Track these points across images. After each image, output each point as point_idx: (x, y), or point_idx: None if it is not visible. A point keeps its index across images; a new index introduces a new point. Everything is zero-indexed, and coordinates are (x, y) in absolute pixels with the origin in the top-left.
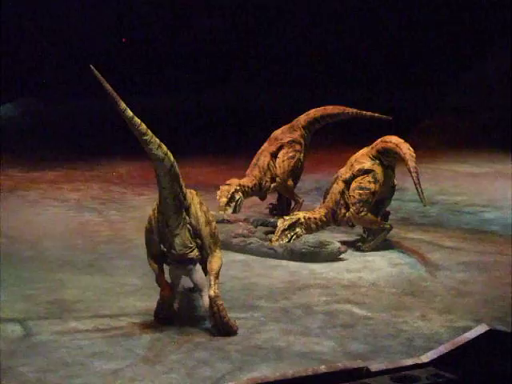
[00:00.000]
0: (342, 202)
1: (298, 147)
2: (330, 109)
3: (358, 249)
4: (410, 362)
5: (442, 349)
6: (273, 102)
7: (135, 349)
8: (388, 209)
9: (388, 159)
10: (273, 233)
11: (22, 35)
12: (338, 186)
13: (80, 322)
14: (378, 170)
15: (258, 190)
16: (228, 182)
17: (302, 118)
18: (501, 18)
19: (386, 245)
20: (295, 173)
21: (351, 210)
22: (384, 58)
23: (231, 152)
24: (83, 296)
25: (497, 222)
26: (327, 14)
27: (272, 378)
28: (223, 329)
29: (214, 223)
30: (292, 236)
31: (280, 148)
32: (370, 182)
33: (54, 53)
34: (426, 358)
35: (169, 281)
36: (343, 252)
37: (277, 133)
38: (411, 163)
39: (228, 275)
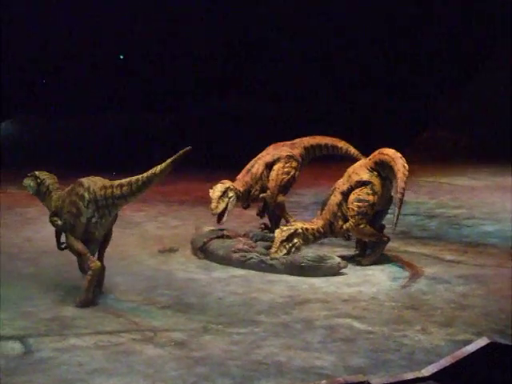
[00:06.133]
0: (339, 213)
1: (294, 164)
2: (337, 141)
3: (357, 263)
4: (410, 375)
5: (443, 362)
6: (272, 115)
7: (135, 365)
8: (387, 222)
9: (385, 171)
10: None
11: (21, 51)
12: (336, 198)
13: (80, 338)
14: (376, 181)
15: (246, 197)
16: (221, 182)
17: (306, 140)
18: (499, 32)
19: (386, 258)
20: (286, 189)
21: (350, 222)
22: (382, 71)
23: (229, 167)
24: (83, 313)
25: (496, 234)
26: (325, 26)
27: None
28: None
29: None
30: (291, 247)
31: (277, 160)
32: (368, 193)
33: (52, 69)
34: (426, 371)
35: None
36: (343, 267)
37: (277, 145)
38: (401, 183)
39: (228, 290)
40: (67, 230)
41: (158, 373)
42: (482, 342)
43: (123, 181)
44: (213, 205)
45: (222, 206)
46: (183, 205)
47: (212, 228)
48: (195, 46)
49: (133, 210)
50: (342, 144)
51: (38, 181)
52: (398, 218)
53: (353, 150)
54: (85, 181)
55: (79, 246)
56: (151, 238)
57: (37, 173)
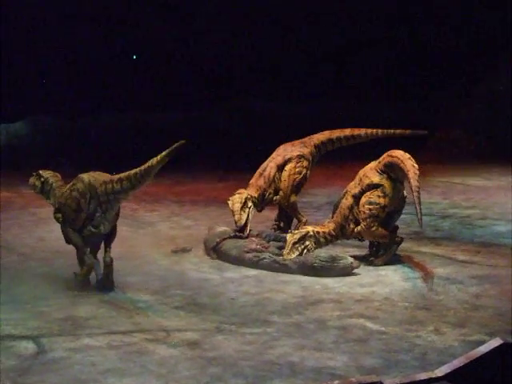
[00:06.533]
0: (350, 217)
1: (305, 164)
2: (348, 131)
3: (370, 263)
4: (424, 376)
5: (456, 363)
6: (282, 116)
7: (148, 365)
8: (400, 222)
9: (395, 173)
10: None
11: (33, 51)
12: (347, 201)
13: (93, 338)
14: (387, 184)
15: (261, 201)
16: (238, 192)
17: (316, 137)
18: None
19: (399, 259)
20: (298, 189)
21: (362, 225)
22: (395, 72)
23: (242, 167)
24: (96, 313)
25: (509, 235)
26: (334, 27)
27: None
28: (107, 286)
29: None
30: (303, 249)
31: (288, 161)
32: (379, 196)
33: (63, 69)
34: (440, 372)
35: None
36: (356, 267)
37: (286, 145)
38: (414, 182)
39: (241, 291)
40: (66, 223)
41: (171, 373)
42: (495, 342)
43: (122, 175)
44: (236, 217)
45: (244, 216)
46: (196, 205)
47: (225, 228)
48: (207, 44)
49: (146, 210)
50: (357, 131)
51: (42, 179)
52: (421, 215)
53: (374, 131)
54: (85, 176)
55: (78, 240)
56: (164, 238)
57: (41, 172)
